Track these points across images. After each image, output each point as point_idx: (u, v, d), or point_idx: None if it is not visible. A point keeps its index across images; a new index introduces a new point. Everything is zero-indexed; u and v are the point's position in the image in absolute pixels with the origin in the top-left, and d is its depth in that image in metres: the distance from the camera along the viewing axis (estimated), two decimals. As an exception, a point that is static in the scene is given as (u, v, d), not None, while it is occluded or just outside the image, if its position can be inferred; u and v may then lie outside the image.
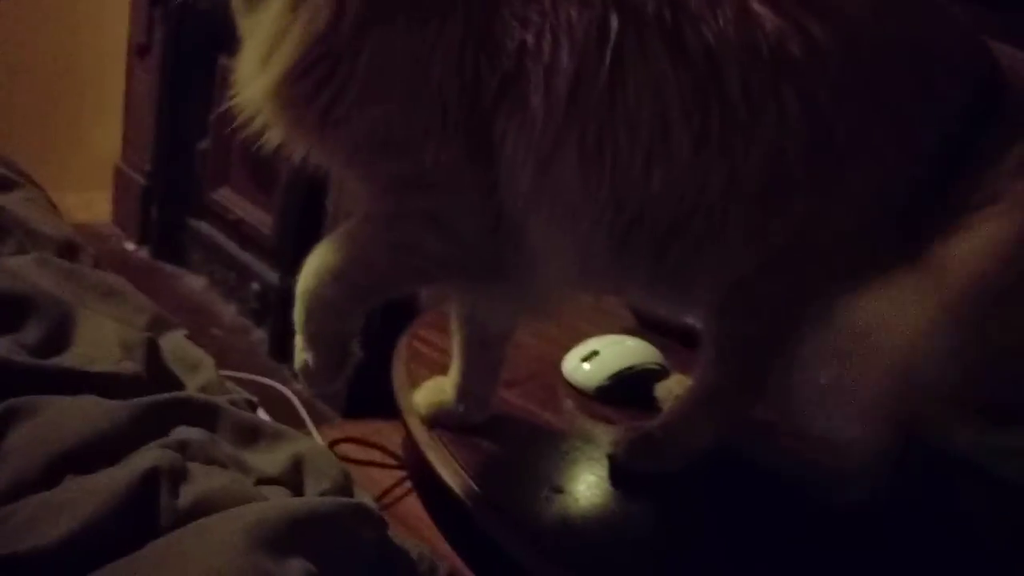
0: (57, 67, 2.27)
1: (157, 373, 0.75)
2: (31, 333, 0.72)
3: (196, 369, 0.81)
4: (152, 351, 0.76)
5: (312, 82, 0.59)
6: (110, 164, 2.38)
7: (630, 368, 0.85)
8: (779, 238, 0.63)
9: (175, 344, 0.84)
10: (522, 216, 0.62)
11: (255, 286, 2.03)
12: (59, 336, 0.74)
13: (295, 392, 1.74)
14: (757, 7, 0.58)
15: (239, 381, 0.92)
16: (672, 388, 0.82)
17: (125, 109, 2.33)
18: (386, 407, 0.85)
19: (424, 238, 0.64)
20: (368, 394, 1.14)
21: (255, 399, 0.84)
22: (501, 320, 0.75)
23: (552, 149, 0.59)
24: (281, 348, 1.88)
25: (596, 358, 0.86)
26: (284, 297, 1.82)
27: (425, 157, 0.60)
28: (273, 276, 1.96)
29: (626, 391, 0.84)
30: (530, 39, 0.57)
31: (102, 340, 0.74)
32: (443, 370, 0.79)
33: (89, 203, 2.33)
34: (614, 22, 0.57)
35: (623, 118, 0.59)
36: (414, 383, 0.81)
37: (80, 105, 2.36)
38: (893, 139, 0.62)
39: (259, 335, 2.02)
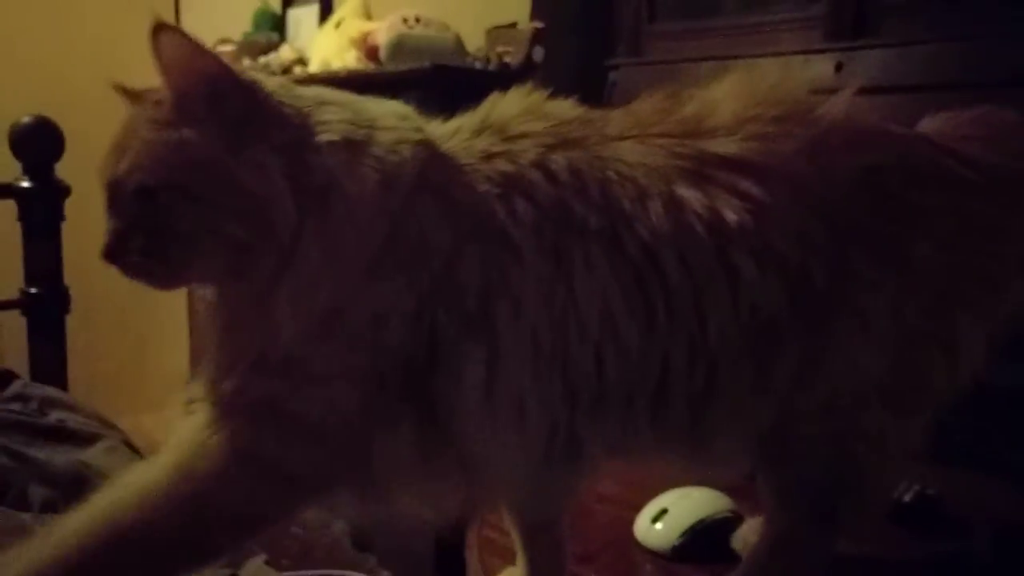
0: (125, 295, 2.42)
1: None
2: None
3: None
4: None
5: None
6: (181, 382, 2.49)
7: (702, 521, 0.85)
8: (790, 383, 0.65)
9: (255, 571, 0.86)
10: (464, 429, 0.62)
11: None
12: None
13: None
14: (683, 192, 0.62)
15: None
16: (747, 537, 0.81)
17: (190, 329, 2.47)
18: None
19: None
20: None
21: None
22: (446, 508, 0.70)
23: (508, 361, 0.61)
24: (363, 538, 1.89)
25: (666, 516, 0.86)
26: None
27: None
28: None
29: (702, 545, 0.83)
30: (495, 283, 0.61)
31: None
32: (515, 558, 0.80)
33: (165, 422, 2.42)
34: (565, 249, 0.62)
35: (574, 324, 0.62)
36: (488, 574, 0.81)
37: (148, 330, 2.50)
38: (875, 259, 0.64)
39: (340, 527, 2.03)
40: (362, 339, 0.60)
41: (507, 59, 1.76)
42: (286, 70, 2.26)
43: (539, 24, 1.73)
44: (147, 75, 0.62)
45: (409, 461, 0.62)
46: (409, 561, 1.89)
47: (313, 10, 2.41)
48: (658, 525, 0.85)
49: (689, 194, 0.62)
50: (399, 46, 1.80)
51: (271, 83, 0.63)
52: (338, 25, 2.19)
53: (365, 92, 0.67)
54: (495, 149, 0.64)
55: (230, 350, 0.63)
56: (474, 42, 1.88)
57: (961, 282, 0.67)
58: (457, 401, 0.61)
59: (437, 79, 1.64)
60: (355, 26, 2.10)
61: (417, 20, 1.87)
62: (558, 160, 0.63)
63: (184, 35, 0.58)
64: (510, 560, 0.80)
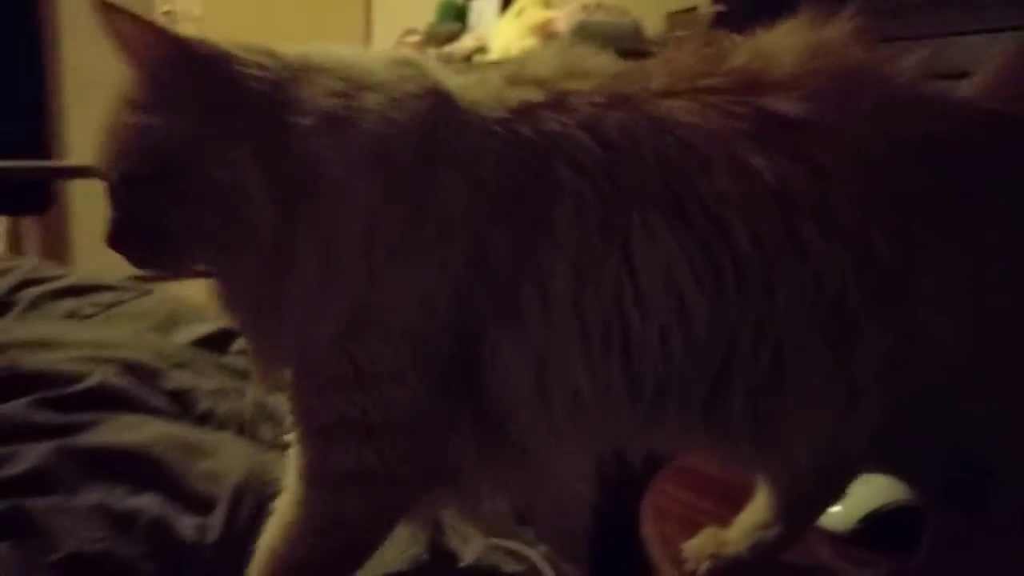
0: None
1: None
2: None
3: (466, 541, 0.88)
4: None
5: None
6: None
7: (882, 507, 0.84)
8: (873, 373, 0.60)
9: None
10: (522, 424, 0.60)
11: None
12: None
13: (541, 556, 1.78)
14: (747, 157, 0.58)
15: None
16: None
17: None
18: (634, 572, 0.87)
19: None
20: (615, 560, 1.17)
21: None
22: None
23: (553, 349, 0.58)
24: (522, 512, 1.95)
25: (846, 499, 0.85)
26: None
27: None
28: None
29: (881, 532, 0.82)
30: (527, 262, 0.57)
31: None
32: (693, 525, 0.82)
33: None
34: (619, 220, 0.58)
35: (632, 301, 0.58)
36: (666, 542, 0.83)
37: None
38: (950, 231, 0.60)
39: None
40: (401, 330, 0.57)
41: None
42: (467, 58, 2.36)
43: (721, 7, 1.72)
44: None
45: (478, 455, 0.61)
46: (567, 537, 1.94)
47: (494, 0, 2.50)
48: (836, 508, 0.85)
49: (754, 159, 0.57)
50: (580, 32, 1.84)
51: (245, 53, 0.55)
52: (519, 13, 2.26)
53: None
54: (536, 99, 0.59)
55: (262, 365, 0.63)
56: (654, 27, 1.90)
57: None
58: (503, 393, 0.59)
59: (616, 65, 1.67)
60: (535, 14, 2.16)
61: (598, 6, 1.90)
62: (610, 121, 0.58)
63: (125, 11, 0.52)
64: (690, 530, 0.82)
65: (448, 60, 2.38)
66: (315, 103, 0.54)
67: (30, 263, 1.39)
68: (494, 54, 2.28)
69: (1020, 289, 0.62)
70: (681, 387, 0.60)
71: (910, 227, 0.59)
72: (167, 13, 2.74)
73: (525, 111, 0.58)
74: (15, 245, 2.39)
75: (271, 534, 0.65)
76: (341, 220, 0.55)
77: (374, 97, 0.55)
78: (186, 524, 0.74)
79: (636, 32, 1.88)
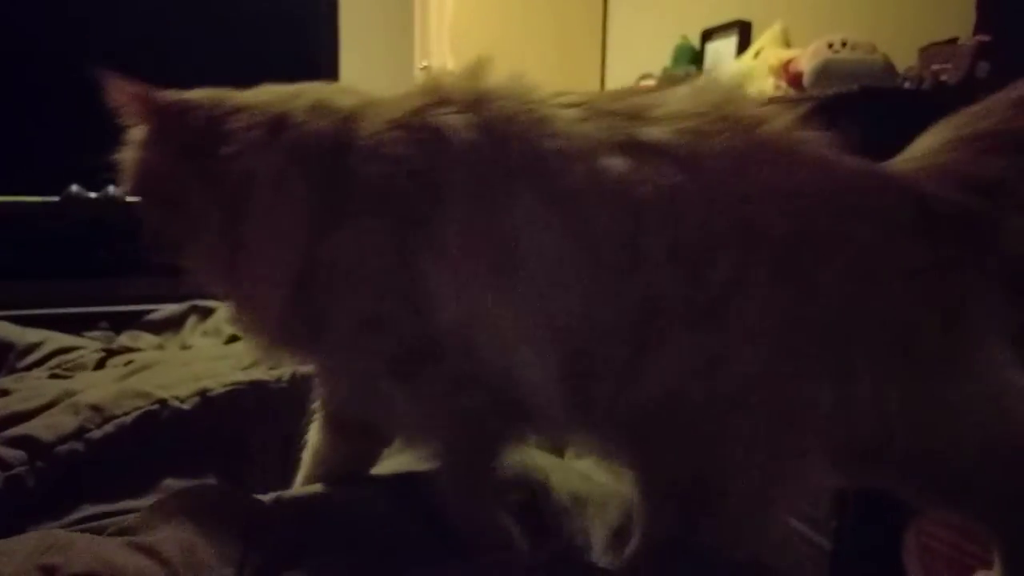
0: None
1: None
2: None
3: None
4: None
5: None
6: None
7: None
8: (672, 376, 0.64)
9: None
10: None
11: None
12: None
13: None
14: (607, 161, 0.64)
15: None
16: None
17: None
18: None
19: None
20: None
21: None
22: None
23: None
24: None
25: None
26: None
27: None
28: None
29: None
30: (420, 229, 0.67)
31: None
32: (961, 567, 0.80)
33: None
34: (495, 191, 0.66)
35: (519, 265, 0.66)
36: (932, 577, 0.82)
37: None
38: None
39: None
40: (349, 283, 0.69)
41: (943, 77, 1.69)
42: (703, 100, 2.41)
43: (984, 38, 1.64)
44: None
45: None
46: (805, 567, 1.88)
47: (731, 42, 2.54)
48: None
49: (613, 163, 0.64)
50: (824, 71, 1.83)
51: (199, 96, 0.73)
52: (757, 55, 2.28)
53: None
54: (428, 102, 0.69)
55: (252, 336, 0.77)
56: (905, 62, 1.84)
57: (862, 319, 0.64)
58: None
59: (864, 102, 1.64)
60: (775, 54, 2.17)
61: (843, 44, 1.88)
62: (482, 115, 0.67)
63: (116, 79, 0.71)
64: (956, 571, 0.81)
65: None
66: (242, 136, 0.70)
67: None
68: (730, 95, 2.31)
69: (837, 344, 0.63)
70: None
71: (746, 260, 0.63)
72: (424, 68, 3.03)
73: (417, 113, 0.69)
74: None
75: None
76: (268, 202, 0.70)
77: (297, 116, 0.71)
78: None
79: (885, 69, 1.84)
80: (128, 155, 0.75)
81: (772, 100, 1.94)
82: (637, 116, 0.67)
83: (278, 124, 0.71)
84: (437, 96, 0.69)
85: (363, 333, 0.70)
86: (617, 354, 0.65)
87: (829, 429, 0.64)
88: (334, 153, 0.69)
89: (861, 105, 1.65)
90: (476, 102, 0.68)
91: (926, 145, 0.70)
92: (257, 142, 0.70)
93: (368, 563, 0.62)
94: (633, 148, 0.65)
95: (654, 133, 0.66)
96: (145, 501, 0.73)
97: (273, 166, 0.70)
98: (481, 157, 0.66)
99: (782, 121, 0.67)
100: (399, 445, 0.88)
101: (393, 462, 0.86)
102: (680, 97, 0.68)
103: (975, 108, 0.69)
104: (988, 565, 0.79)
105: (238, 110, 0.72)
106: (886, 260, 0.64)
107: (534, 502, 0.80)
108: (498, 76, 0.71)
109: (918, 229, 0.64)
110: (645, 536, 0.70)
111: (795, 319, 0.63)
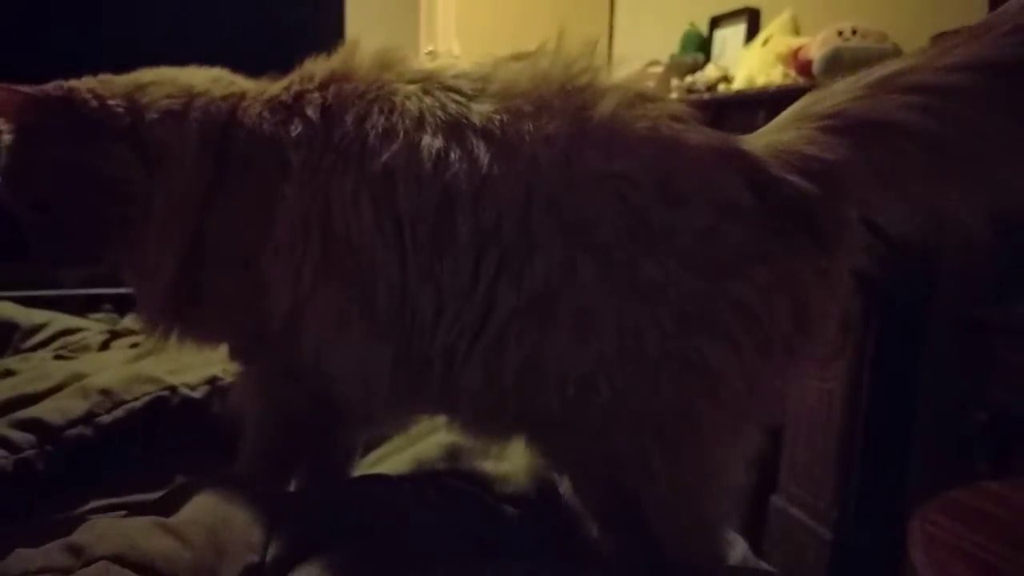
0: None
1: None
2: None
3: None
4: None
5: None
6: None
7: None
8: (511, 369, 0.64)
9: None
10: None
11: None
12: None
13: None
14: (426, 140, 0.64)
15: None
16: None
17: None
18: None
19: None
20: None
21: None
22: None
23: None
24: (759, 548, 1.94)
25: None
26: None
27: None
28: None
29: None
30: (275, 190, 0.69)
31: None
32: (968, 557, 0.80)
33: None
34: (325, 162, 0.68)
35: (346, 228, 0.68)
36: (941, 569, 0.82)
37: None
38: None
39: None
40: (214, 259, 0.72)
41: (954, 67, 1.68)
42: (710, 88, 2.39)
43: (996, 28, 1.63)
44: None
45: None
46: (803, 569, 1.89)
47: (739, 30, 2.52)
48: None
49: (428, 142, 0.64)
50: (834, 59, 1.82)
51: (88, 85, 0.73)
52: (765, 42, 2.26)
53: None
54: (303, 88, 0.71)
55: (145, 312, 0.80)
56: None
57: (707, 307, 0.60)
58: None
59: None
60: (784, 42, 2.16)
61: (854, 32, 1.87)
62: (326, 96, 0.69)
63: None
64: (964, 561, 0.81)
65: (690, 90, 2.43)
66: (159, 104, 0.73)
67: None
68: (738, 83, 2.29)
69: (687, 335, 0.60)
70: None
71: (574, 256, 0.60)
72: (429, 53, 3.02)
73: (288, 92, 0.72)
74: None
75: None
76: (179, 178, 0.72)
77: (200, 99, 0.73)
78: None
79: (894, 56, 1.83)
80: (15, 161, 0.74)
81: (781, 89, 1.94)
82: (473, 92, 0.66)
83: (189, 96, 0.73)
84: (308, 76, 0.72)
85: (224, 312, 0.74)
86: (455, 345, 0.65)
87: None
88: (226, 127, 0.72)
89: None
90: (329, 80, 0.70)
91: (782, 119, 0.67)
92: (174, 111, 0.73)
93: (387, 557, 0.62)
94: (453, 127, 0.64)
95: (482, 110, 0.64)
96: (154, 493, 0.73)
97: (184, 137, 0.72)
98: (315, 138, 0.68)
99: (622, 97, 0.63)
100: (402, 443, 0.89)
101: (406, 456, 0.86)
102: (517, 71, 0.66)
103: (837, 84, 0.65)
104: (996, 555, 0.79)
105: (141, 87, 0.74)
106: (719, 248, 0.61)
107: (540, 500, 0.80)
108: (377, 50, 0.72)
109: (753, 214, 0.61)
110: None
111: (629, 315, 0.60)
